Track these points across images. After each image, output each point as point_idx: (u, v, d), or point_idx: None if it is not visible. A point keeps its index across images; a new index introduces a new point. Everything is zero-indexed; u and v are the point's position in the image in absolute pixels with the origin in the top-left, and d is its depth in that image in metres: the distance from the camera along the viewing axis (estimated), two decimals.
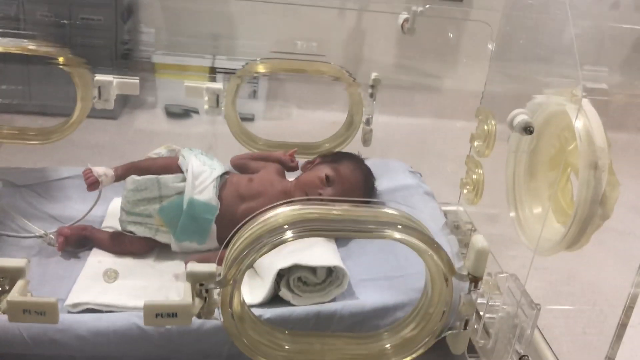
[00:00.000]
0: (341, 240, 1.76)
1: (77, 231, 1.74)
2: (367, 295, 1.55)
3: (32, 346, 1.40)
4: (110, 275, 1.57)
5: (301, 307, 1.50)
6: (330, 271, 1.55)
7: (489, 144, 1.97)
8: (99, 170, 1.71)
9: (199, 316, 1.26)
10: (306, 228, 1.22)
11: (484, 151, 1.96)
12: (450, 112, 2.98)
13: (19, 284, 1.20)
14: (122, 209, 1.70)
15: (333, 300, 1.54)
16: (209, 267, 1.25)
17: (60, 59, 1.85)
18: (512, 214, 1.81)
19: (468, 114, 2.04)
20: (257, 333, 1.33)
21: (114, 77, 1.87)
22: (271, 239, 1.22)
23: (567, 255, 1.57)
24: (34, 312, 1.18)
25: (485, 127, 1.96)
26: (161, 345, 1.44)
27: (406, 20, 1.99)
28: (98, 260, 1.67)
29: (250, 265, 1.23)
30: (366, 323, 1.49)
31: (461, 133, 2.03)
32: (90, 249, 1.73)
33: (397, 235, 1.25)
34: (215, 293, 1.25)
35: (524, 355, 1.44)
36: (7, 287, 1.21)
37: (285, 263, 1.52)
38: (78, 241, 1.74)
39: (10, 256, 1.64)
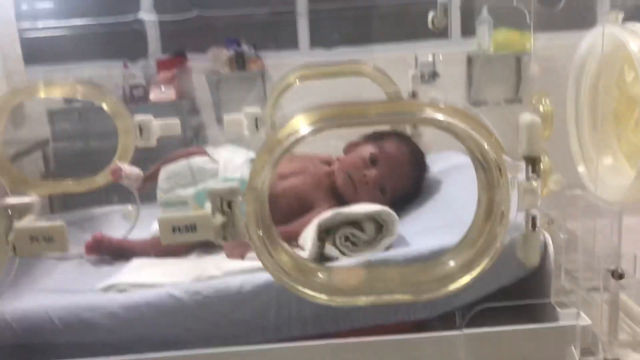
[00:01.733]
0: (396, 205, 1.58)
1: (111, 239, 1.66)
2: (423, 243, 1.36)
3: (62, 330, 1.28)
4: (128, 213, 1.45)
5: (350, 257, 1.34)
6: (380, 226, 1.39)
7: (547, 125, 1.84)
8: (126, 166, 1.67)
9: (224, 238, 1.12)
10: (333, 119, 1.12)
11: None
12: None
13: (28, 217, 1.13)
14: (159, 204, 1.63)
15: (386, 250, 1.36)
16: (230, 184, 1.13)
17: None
18: (581, 169, 1.63)
19: None
20: (293, 263, 1.17)
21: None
22: (292, 135, 1.11)
23: None
24: (41, 239, 1.09)
25: (541, 109, 1.85)
26: (199, 316, 1.29)
27: (435, 15, 1.96)
28: (138, 263, 1.57)
29: (274, 166, 1.11)
30: None
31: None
32: (130, 260, 1.63)
33: (440, 116, 1.11)
34: (241, 210, 1.13)
35: (615, 269, 1.21)
36: None
37: (326, 215, 1.38)
38: (113, 250, 1.65)
39: (51, 273, 1.58)
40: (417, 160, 1.74)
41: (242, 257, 1.46)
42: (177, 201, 1.63)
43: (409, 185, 1.69)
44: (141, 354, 1.24)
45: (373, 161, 1.66)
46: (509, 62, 3.80)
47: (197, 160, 1.66)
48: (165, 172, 1.67)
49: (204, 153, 1.74)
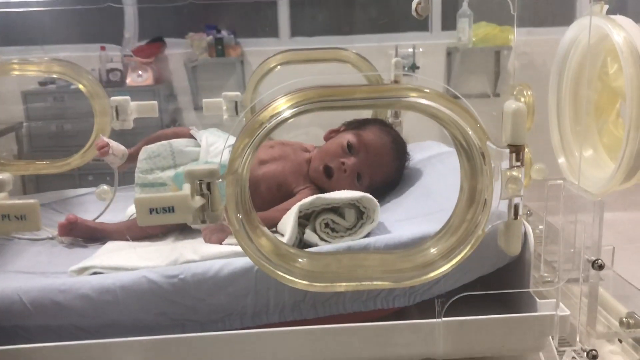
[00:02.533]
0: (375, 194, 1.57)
1: (85, 221, 1.62)
2: (404, 231, 1.35)
3: (33, 313, 1.25)
4: (104, 193, 1.42)
5: (329, 244, 1.32)
6: (361, 213, 1.38)
7: (529, 117, 1.84)
8: (112, 142, 1.63)
9: (203, 220, 1.09)
10: (319, 101, 1.09)
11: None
12: None
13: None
14: (136, 184, 1.60)
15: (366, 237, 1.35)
16: (210, 166, 1.11)
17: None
18: (561, 160, 1.63)
19: None
20: (272, 247, 1.15)
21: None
22: (274, 117, 1.09)
23: None
24: (13, 217, 1.05)
25: (523, 100, 1.85)
26: (175, 300, 1.26)
27: (419, 2, 1.94)
28: (113, 246, 1.54)
29: (255, 148, 1.09)
30: None
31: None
32: (104, 243, 1.60)
33: (424, 101, 1.09)
34: (221, 193, 1.10)
35: (596, 260, 1.21)
36: None
37: (306, 200, 1.36)
38: (87, 233, 1.61)
39: (23, 254, 1.54)
40: (397, 150, 1.70)
41: (220, 242, 1.44)
42: (156, 183, 1.60)
43: (388, 175, 1.67)
44: (114, 338, 1.21)
45: (351, 149, 1.63)
46: (488, 56, 3.82)
47: (179, 142, 1.63)
48: (145, 152, 1.63)
49: (189, 134, 1.70)
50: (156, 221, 1.06)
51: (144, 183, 1.60)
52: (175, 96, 3.93)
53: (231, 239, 1.42)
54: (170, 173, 1.58)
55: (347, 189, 1.52)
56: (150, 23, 3.92)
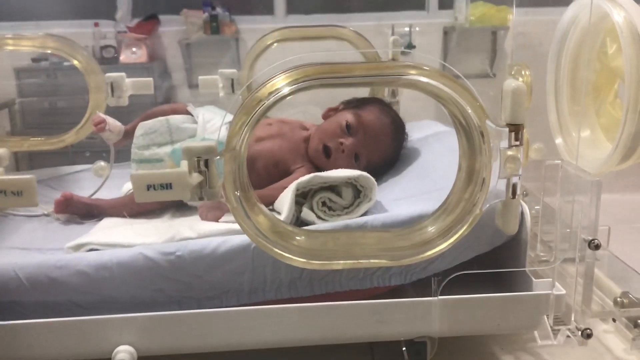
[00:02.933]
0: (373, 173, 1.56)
1: (81, 198, 1.62)
2: (401, 209, 1.35)
3: (29, 289, 1.25)
4: (101, 169, 1.42)
5: (326, 222, 1.32)
6: (358, 192, 1.37)
7: (528, 97, 1.84)
8: (109, 118, 1.62)
9: (200, 197, 1.09)
10: (318, 78, 1.08)
11: None
12: None
13: None
14: (132, 160, 1.59)
15: (363, 215, 1.35)
16: (208, 143, 1.10)
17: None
18: (558, 141, 1.63)
19: None
20: (270, 225, 1.15)
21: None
22: (273, 94, 1.08)
23: None
24: (10, 193, 1.04)
25: (521, 80, 1.84)
26: (172, 278, 1.26)
27: None
28: (109, 222, 1.53)
29: (254, 125, 1.08)
30: None
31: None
32: (100, 219, 1.59)
33: (424, 79, 1.08)
34: (217, 168, 1.09)
35: (592, 240, 1.22)
36: None
37: (304, 178, 1.35)
38: (83, 209, 1.61)
39: (19, 231, 1.54)
40: (396, 131, 1.69)
41: (216, 219, 1.43)
42: (152, 159, 1.59)
43: (385, 155, 1.66)
44: (110, 314, 1.22)
45: (350, 129, 1.61)
46: (485, 36, 3.80)
47: (176, 119, 1.62)
48: (142, 128, 1.63)
49: (186, 110, 1.69)
50: (153, 198, 1.06)
51: (141, 159, 1.59)
52: (169, 74, 3.90)
53: (228, 217, 1.42)
54: (167, 149, 1.58)
55: (345, 168, 1.52)
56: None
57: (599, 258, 1.31)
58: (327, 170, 1.47)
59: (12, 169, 2.69)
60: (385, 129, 1.65)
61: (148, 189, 1.05)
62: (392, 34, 3.45)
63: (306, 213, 1.35)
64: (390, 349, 1.35)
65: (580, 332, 1.28)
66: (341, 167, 1.50)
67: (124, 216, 1.58)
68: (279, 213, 1.40)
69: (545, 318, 1.27)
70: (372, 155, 1.62)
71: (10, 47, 1.83)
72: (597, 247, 1.23)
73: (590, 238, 1.22)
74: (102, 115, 1.66)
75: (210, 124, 1.62)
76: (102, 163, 1.72)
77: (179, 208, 1.60)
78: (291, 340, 1.27)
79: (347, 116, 1.63)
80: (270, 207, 1.46)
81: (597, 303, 1.45)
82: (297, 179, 1.40)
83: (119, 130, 1.66)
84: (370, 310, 1.25)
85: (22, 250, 1.43)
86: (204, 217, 1.45)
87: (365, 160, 1.60)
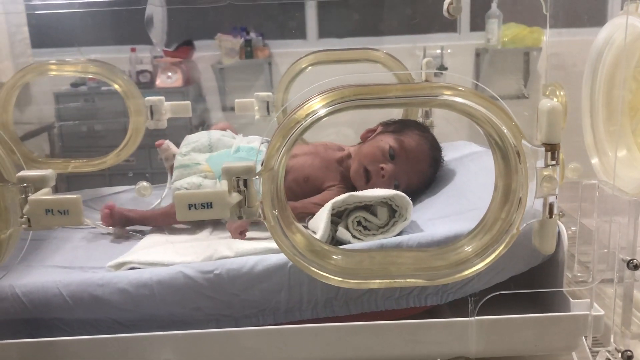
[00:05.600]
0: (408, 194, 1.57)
1: (121, 209, 1.68)
2: (437, 229, 1.35)
3: (72, 306, 1.28)
4: (143, 189, 1.47)
5: (362, 241, 1.33)
6: (393, 211, 1.38)
7: (563, 117, 1.83)
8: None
9: (239, 215, 1.11)
10: (354, 99, 1.10)
11: None
12: None
13: (43, 190, 1.11)
14: (174, 167, 1.67)
15: (399, 235, 1.36)
16: (247, 163, 1.12)
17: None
18: (594, 161, 1.62)
19: None
20: (306, 243, 1.16)
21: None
22: (309, 116, 1.10)
23: None
24: (56, 212, 1.07)
25: (555, 100, 1.84)
26: (210, 296, 1.28)
27: (451, 2, 1.93)
28: (149, 241, 1.57)
29: (291, 146, 1.11)
30: None
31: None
32: (144, 235, 1.64)
33: (459, 99, 1.09)
34: (256, 187, 1.11)
35: (631, 260, 1.21)
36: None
37: (339, 198, 1.37)
38: (124, 220, 1.66)
39: (61, 249, 1.58)
40: (435, 157, 1.70)
41: (242, 231, 1.47)
42: (191, 162, 1.68)
43: (423, 180, 1.67)
44: (150, 332, 1.24)
45: (392, 155, 1.62)
46: (517, 57, 3.80)
47: (216, 132, 1.78)
48: (186, 140, 1.78)
49: (231, 128, 1.84)
50: (194, 217, 1.08)
51: (181, 164, 1.69)
52: (203, 97, 3.97)
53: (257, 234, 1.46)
54: (205, 156, 1.68)
55: None
56: (178, 24, 3.95)
57: (638, 278, 1.30)
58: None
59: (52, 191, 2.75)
60: (424, 156, 1.66)
61: (189, 208, 1.07)
62: (424, 56, 3.47)
63: (342, 232, 1.36)
64: None
65: (620, 354, 1.26)
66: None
67: (164, 232, 1.62)
68: (313, 232, 1.42)
69: (584, 339, 1.26)
70: (410, 180, 1.63)
71: (53, 73, 1.89)
72: (637, 267, 1.22)
73: (629, 258, 1.21)
74: (164, 142, 1.81)
75: (248, 139, 1.71)
76: (145, 183, 1.77)
77: (217, 225, 1.64)
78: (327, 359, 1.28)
79: (390, 141, 1.64)
80: (304, 226, 1.48)
81: (637, 324, 1.43)
82: (330, 197, 1.42)
83: (175, 153, 1.78)
84: (407, 330, 1.25)
85: (64, 268, 1.46)
86: (234, 235, 1.49)
87: (403, 186, 1.61)
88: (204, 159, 1.67)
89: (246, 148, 1.66)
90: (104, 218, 1.66)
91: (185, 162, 1.69)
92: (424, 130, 1.74)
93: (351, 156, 1.69)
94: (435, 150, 1.70)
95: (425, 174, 1.67)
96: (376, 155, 1.63)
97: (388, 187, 1.58)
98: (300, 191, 1.62)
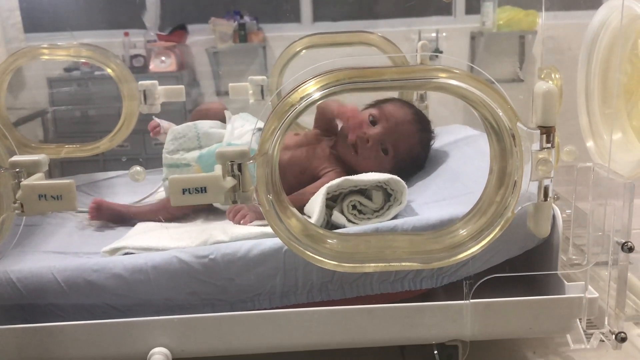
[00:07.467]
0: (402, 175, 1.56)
1: (111, 204, 1.66)
2: (432, 213, 1.35)
3: (67, 291, 1.27)
4: (137, 174, 1.46)
5: (357, 225, 1.33)
6: (388, 195, 1.38)
7: (558, 100, 1.83)
8: (163, 121, 1.70)
9: (234, 200, 1.11)
10: (349, 82, 1.10)
11: None
12: None
13: (35, 175, 1.11)
14: (163, 164, 1.63)
15: (394, 219, 1.36)
16: (241, 147, 1.12)
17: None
18: (589, 144, 1.62)
19: None
20: (302, 228, 1.16)
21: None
22: (304, 99, 1.09)
23: None
24: (50, 198, 1.07)
25: (551, 83, 1.84)
26: (206, 280, 1.28)
27: None
28: (143, 227, 1.56)
29: (286, 129, 1.10)
30: None
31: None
32: (134, 225, 1.62)
33: (454, 82, 1.09)
34: (250, 171, 1.11)
35: (626, 242, 1.21)
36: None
37: (334, 182, 1.37)
38: (113, 215, 1.64)
39: (55, 235, 1.57)
40: (420, 120, 1.68)
41: (246, 223, 1.45)
42: (180, 163, 1.65)
43: (412, 146, 1.66)
44: (146, 317, 1.24)
45: (373, 121, 1.61)
46: (513, 40, 3.79)
47: (204, 124, 1.67)
48: (172, 134, 1.68)
49: (222, 110, 1.77)
50: (189, 201, 1.08)
51: (170, 164, 1.64)
52: (197, 82, 3.95)
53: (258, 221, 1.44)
54: (195, 154, 1.62)
55: (373, 160, 1.53)
56: (172, 7, 3.92)
57: (633, 261, 1.30)
58: (356, 166, 1.47)
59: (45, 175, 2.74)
60: (407, 117, 1.65)
61: (184, 193, 1.07)
62: (419, 39, 3.46)
63: (337, 216, 1.36)
64: (421, 352, 1.35)
65: (614, 336, 1.27)
66: (369, 159, 1.52)
67: (158, 220, 1.61)
68: (309, 217, 1.42)
69: (578, 322, 1.26)
70: (398, 144, 1.62)
71: (45, 57, 1.87)
72: (631, 249, 1.22)
73: (624, 241, 1.22)
74: (157, 120, 1.72)
75: (239, 130, 1.65)
76: (138, 168, 1.76)
77: (212, 212, 1.63)
78: (323, 343, 1.28)
79: (369, 110, 1.65)
80: (301, 213, 1.48)
81: (631, 307, 1.44)
82: (326, 182, 1.41)
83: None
84: (402, 313, 1.25)
85: (59, 254, 1.46)
86: (233, 219, 1.48)
87: (392, 151, 1.60)
88: (194, 159, 1.63)
89: (238, 145, 1.65)
90: (91, 212, 1.65)
91: (174, 161, 1.65)
92: (405, 101, 1.75)
93: (338, 135, 1.68)
94: (418, 114, 1.70)
95: (412, 137, 1.65)
96: (357, 124, 1.61)
97: (376, 152, 1.57)
98: (299, 184, 1.61)
